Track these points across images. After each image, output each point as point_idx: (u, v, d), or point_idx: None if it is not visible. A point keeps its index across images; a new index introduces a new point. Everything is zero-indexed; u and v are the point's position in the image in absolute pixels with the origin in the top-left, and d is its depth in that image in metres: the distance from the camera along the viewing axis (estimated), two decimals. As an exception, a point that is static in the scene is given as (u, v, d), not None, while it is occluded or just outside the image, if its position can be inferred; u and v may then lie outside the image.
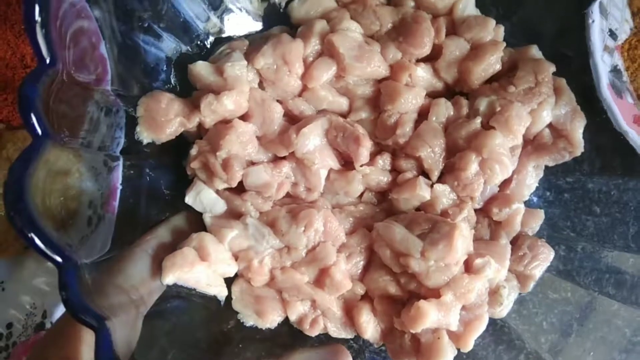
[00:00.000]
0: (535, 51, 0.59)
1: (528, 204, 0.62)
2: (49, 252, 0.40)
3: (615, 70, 0.64)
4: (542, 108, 0.55)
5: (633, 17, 0.69)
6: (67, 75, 0.43)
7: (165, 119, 0.52)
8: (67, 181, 0.44)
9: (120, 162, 0.52)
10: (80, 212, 0.47)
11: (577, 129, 0.57)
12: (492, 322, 0.59)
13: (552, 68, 0.57)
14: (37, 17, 0.41)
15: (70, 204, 0.46)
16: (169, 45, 0.55)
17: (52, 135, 0.42)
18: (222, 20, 0.58)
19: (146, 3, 0.50)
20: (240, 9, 0.59)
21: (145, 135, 0.53)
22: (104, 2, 0.46)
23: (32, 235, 0.39)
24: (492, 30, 0.58)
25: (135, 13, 0.49)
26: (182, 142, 0.57)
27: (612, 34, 0.64)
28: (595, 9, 0.60)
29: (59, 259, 0.40)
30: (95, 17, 0.45)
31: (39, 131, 0.40)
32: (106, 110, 0.49)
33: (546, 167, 0.62)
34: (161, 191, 0.57)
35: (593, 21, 0.59)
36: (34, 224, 0.39)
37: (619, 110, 0.61)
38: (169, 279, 0.49)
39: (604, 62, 0.62)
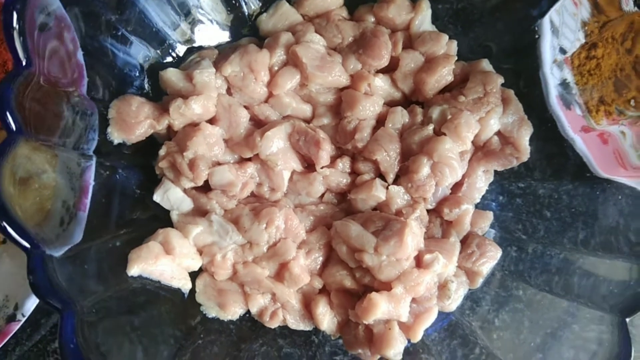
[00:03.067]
0: (485, 64, 0.63)
1: (483, 207, 0.66)
2: (18, 239, 0.43)
3: (564, 84, 0.68)
4: (490, 116, 0.59)
5: (585, 37, 0.73)
6: (44, 79, 0.46)
7: (135, 121, 0.56)
8: (43, 181, 0.47)
9: (94, 162, 0.55)
10: (53, 212, 0.50)
11: (524, 136, 0.61)
12: (447, 318, 0.62)
13: (500, 80, 0.61)
14: (15, 24, 0.45)
15: (45, 203, 0.49)
16: (139, 51, 0.58)
17: (26, 132, 0.45)
18: (192, 30, 0.63)
19: (114, 9, 0.54)
20: (211, 20, 0.63)
21: (116, 136, 0.56)
22: (75, 7, 0.49)
23: (4, 223, 0.42)
24: (445, 45, 0.62)
25: (102, 18, 0.53)
26: (152, 144, 0.61)
27: (563, 51, 0.68)
28: (545, 24, 0.64)
29: (27, 244, 0.43)
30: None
31: (13, 127, 0.44)
32: (81, 112, 0.53)
33: (499, 173, 0.66)
34: (132, 189, 0.60)
35: (539, 36, 0.63)
36: (7, 213, 0.43)
37: (567, 120, 0.65)
38: (134, 270, 0.52)
39: (554, 75, 0.66)
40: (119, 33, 0.54)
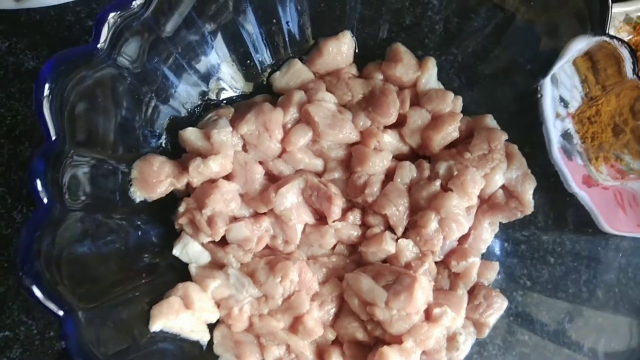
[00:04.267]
0: (489, 120, 0.66)
1: (489, 254, 0.68)
2: (52, 307, 0.45)
3: (566, 135, 0.70)
4: (495, 172, 0.62)
5: (582, 84, 0.76)
6: (73, 149, 0.49)
7: (157, 180, 0.59)
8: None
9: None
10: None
11: (527, 190, 0.64)
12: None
13: (504, 136, 0.64)
14: (46, 93, 0.48)
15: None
16: (165, 116, 0.62)
17: (57, 202, 0.48)
18: (216, 95, 0.66)
19: (150, 86, 0.57)
20: (231, 88, 0.67)
21: (138, 195, 0.59)
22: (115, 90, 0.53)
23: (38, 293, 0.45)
24: (451, 103, 0.65)
25: (140, 96, 0.57)
26: (170, 198, 0.63)
27: (564, 102, 0.71)
28: (546, 83, 0.67)
29: (60, 312, 0.46)
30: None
31: (45, 200, 0.46)
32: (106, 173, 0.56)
33: (503, 222, 0.68)
34: (151, 242, 0.63)
35: (541, 95, 0.66)
36: (39, 282, 0.45)
37: (570, 172, 0.67)
38: (156, 326, 0.55)
39: (556, 128, 0.69)
40: (149, 102, 0.57)
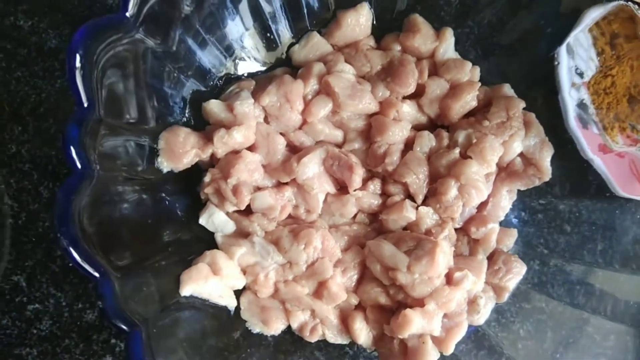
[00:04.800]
0: (507, 89, 0.67)
1: (506, 223, 0.69)
2: (89, 269, 0.47)
3: (581, 104, 0.71)
4: (513, 140, 0.63)
5: (598, 56, 0.76)
6: (104, 117, 0.51)
7: (183, 151, 0.60)
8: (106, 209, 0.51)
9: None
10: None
11: (545, 157, 0.65)
12: (474, 330, 0.66)
13: (522, 104, 0.65)
14: (78, 64, 0.49)
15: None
16: (189, 87, 0.63)
17: (88, 168, 0.49)
18: (234, 66, 0.67)
19: (175, 59, 0.59)
20: (250, 57, 0.68)
21: (165, 165, 0.60)
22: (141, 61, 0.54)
23: (73, 252, 0.47)
24: (469, 72, 0.66)
25: (165, 68, 0.58)
26: (194, 170, 0.65)
27: (579, 72, 0.71)
28: (562, 51, 0.67)
29: (96, 274, 0.47)
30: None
31: (79, 165, 0.48)
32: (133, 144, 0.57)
33: (521, 190, 0.69)
34: (177, 213, 0.64)
35: (558, 63, 0.67)
36: (77, 244, 0.47)
37: (585, 140, 0.68)
38: (186, 290, 0.56)
39: (572, 97, 0.70)
40: (174, 74, 0.59)
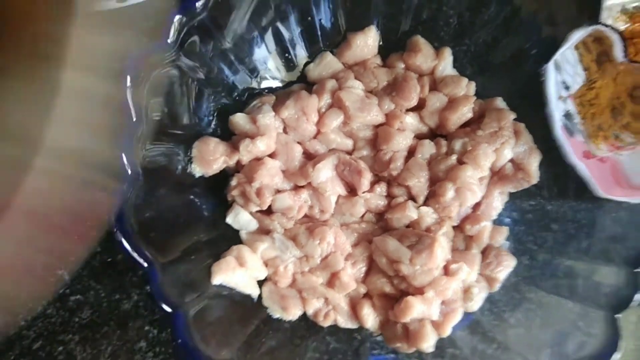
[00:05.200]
0: (499, 102, 0.74)
1: (499, 222, 0.76)
2: (138, 259, 0.55)
3: (567, 115, 0.78)
4: (504, 147, 0.70)
5: (584, 71, 0.83)
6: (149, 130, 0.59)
7: (213, 158, 0.68)
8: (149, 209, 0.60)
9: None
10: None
11: (533, 163, 0.72)
12: (470, 318, 0.73)
13: (513, 116, 0.72)
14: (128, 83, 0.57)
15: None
16: (218, 103, 0.71)
17: (137, 173, 0.58)
18: (258, 83, 0.75)
19: (213, 85, 0.67)
20: (272, 77, 0.76)
21: (197, 170, 0.69)
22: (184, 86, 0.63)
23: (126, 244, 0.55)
24: (465, 87, 0.73)
25: (204, 92, 0.67)
26: (220, 175, 0.72)
27: (566, 85, 0.78)
28: (549, 68, 0.74)
29: (144, 263, 0.56)
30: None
31: (129, 171, 0.56)
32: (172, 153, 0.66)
33: (513, 192, 0.76)
34: (205, 214, 0.72)
35: (545, 79, 0.74)
36: (127, 235, 0.55)
37: (571, 147, 0.75)
38: (217, 279, 0.65)
39: (558, 108, 0.77)
40: (211, 96, 0.67)
